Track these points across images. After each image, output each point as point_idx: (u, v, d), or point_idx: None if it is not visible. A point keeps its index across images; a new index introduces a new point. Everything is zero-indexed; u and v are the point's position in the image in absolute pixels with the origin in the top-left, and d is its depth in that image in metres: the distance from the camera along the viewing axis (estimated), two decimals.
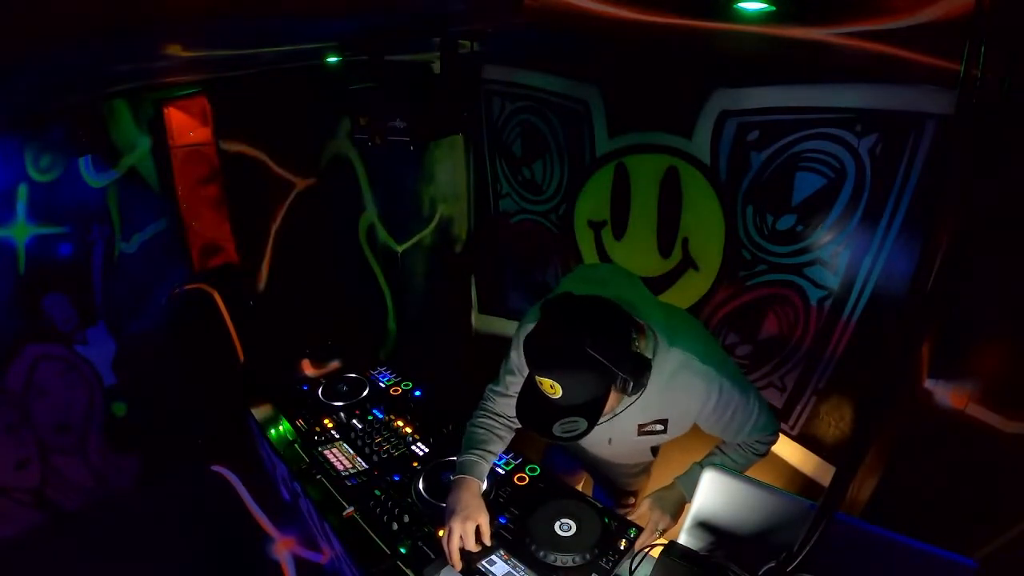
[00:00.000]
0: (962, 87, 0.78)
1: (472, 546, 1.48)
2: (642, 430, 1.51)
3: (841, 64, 1.83)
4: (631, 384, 1.22)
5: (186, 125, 2.97)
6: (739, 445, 1.55)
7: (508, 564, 1.48)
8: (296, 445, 2.04)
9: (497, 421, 1.64)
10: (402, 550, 1.57)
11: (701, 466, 1.61)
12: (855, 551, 1.15)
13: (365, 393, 2.31)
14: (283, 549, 2.44)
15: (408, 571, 1.52)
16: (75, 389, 2.80)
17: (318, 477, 1.88)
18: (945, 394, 1.67)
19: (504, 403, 1.62)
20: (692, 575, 1.23)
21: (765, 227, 2.18)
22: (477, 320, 3.31)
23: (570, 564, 1.46)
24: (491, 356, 1.69)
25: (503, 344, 1.61)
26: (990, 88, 0.80)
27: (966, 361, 1.63)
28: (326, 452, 1.99)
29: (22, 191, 2.47)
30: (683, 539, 1.40)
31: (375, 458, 1.95)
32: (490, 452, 1.60)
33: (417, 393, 2.32)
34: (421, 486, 1.78)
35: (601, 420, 1.26)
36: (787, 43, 1.61)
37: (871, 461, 1.86)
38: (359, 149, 3.36)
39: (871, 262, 1.98)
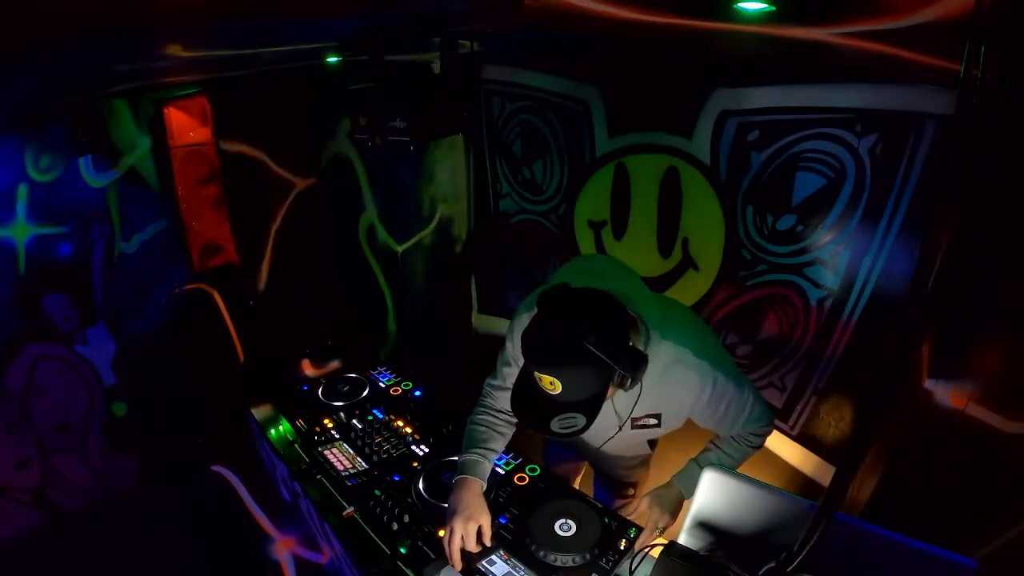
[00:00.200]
0: (962, 87, 0.78)
1: (473, 547, 1.47)
2: (636, 424, 1.50)
3: (841, 64, 1.83)
4: (629, 379, 1.22)
5: (186, 125, 2.97)
6: (733, 438, 1.54)
7: (508, 564, 1.48)
8: (296, 445, 2.04)
9: (498, 418, 1.64)
10: (402, 550, 1.57)
11: (697, 463, 1.62)
12: (855, 551, 1.15)
13: (365, 393, 2.31)
14: (283, 549, 2.44)
15: (408, 571, 1.52)
16: (75, 389, 2.80)
17: (318, 477, 1.88)
18: (945, 394, 1.67)
19: (503, 397, 1.62)
20: (692, 575, 1.23)
21: (765, 227, 2.18)
22: (477, 320, 3.31)
23: (570, 564, 1.46)
24: (491, 356, 1.69)
25: (501, 343, 1.61)
26: (990, 88, 0.80)
27: (966, 361, 1.63)
28: (326, 452, 1.99)
29: (22, 191, 2.47)
30: (683, 539, 1.40)
31: (375, 458, 1.95)
32: (491, 450, 1.60)
33: (417, 393, 2.32)
34: (421, 486, 1.78)
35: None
36: (787, 43, 1.61)
37: (871, 461, 1.86)
38: (359, 149, 3.36)
39: (871, 262, 1.98)
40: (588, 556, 1.47)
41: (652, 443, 1.83)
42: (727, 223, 2.27)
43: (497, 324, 3.23)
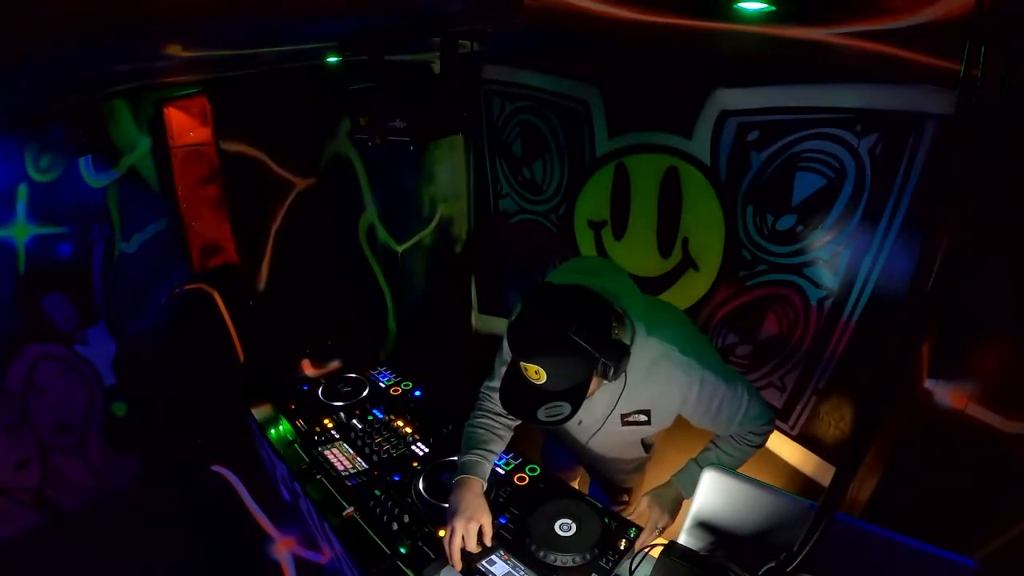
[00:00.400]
0: (962, 87, 0.78)
1: (474, 547, 1.47)
2: (626, 420, 1.52)
3: (841, 64, 1.83)
4: (612, 369, 1.25)
5: (186, 125, 2.97)
6: (732, 438, 1.55)
7: (508, 564, 1.48)
8: (296, 445, 2.04)
9: (497, 421, 1.64)
10: (402, 550, 1.57)
11: (697, 463, 1.62)
12: (855, 551, 1.15)
13: (365, 393, 2.31)
14: (283, 549, 2.44)
15: (408, 571, 1.52)
16: (75, 389, 2.80)
17: (318, 477, 1.88)
18: (945, 394, 1.67)
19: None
20: (692, 575, 1.23)
21: (765, 227, 2.18)
22: (477, 320, 3.31)
23: (570, 564, 1.46)
24: (491, 356, 1.69)
25: (500, 345, 1.61)
26: (990, 88, 0.80)
27: (966, 361, 1.63)
28: (326, 452, 1.99)
29: (22, 191, 2.47)
30: (683, 539, 1.40)
31: (375, 458, 1.95)
32: (491, 452, 1.60)
33: (417, 393, 2.32)
34: (421, 486, 1.78)
35: (583, 408, 1.28)
36: (787, 43, 1.61)
37: (871, 461, 1.86)
38: (359, 149, 3.36)
39: (871, 262, 1.98)
40: (588, 556, 1.47)
41: (648, 447, 1.83)
42: (727, 223, 2.27)
43: (497, 324, 3.23)
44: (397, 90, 2.23)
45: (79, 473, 2.86)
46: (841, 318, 2.09)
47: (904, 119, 1.79)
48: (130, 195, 2.82)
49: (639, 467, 1.93)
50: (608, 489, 1.96)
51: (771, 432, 1.57)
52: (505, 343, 1.56)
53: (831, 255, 2.06)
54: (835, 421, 2.17)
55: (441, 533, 1.53)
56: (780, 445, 2.32)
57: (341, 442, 2.04)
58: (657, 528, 1.60)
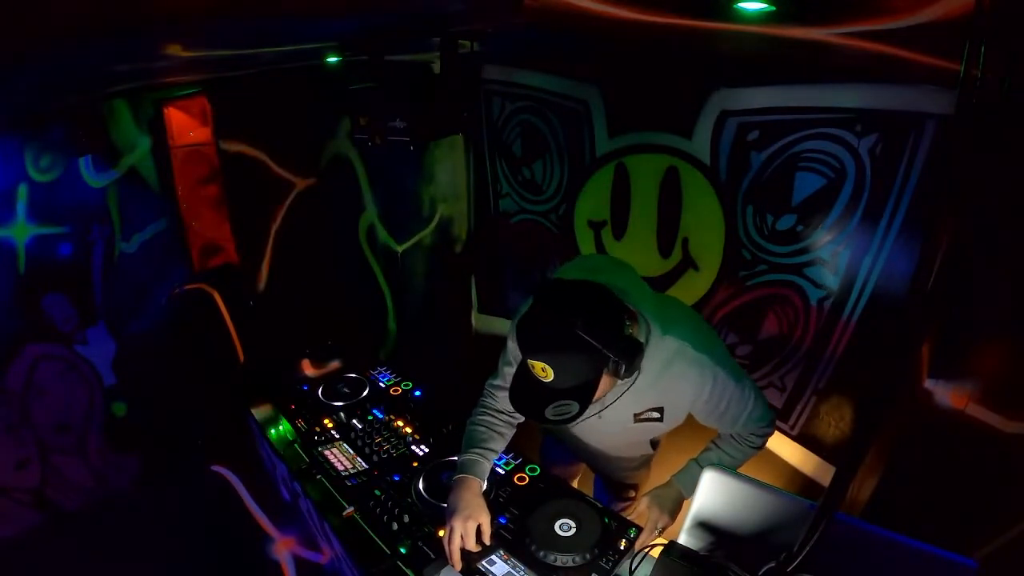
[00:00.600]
0: (962, 87, 0.78)
1: (472, 546, 1.47)
2: (638, 418, 1.51)
3: (841, 64, 1.83)
4: (623, 367, 1.23)
5: (186, 125, 2.97)
6: (734, 438, 1.55)
7: (508, 564, 1.48)
8: (296, 445, 2.04)
9: (498, 418, 1.64)
10: (402, 550, 1.57)
11: (698, 463, 1.62)
12: (855, 551, 1.15)
13: (365, 393, 2.31)
14: (283, 549, 2.44)
15: (408, 571, 1.52)
16: (75, 389, 2.80)
17: (318, 477, 1.88)
18: (945, 394, 1.67)
19: (504, 398, 1.61)
20: (692, 575, 1.23)
21: (765, 227, 2.18)
22: (477, 320, 3.31)
23: (570, 564, 1.46)
24: (491, 356, 1.69)
25: (503, 344, 1.61)
26: (990, 88, 0.80)
27: (966, 361, 1.63)
28: (326, 452, 1.99)
29: (22, 191, 2.47)
30: (683, 539, 1.40)
31: (375, 458, 1.95)
32: (491, 450, 1.60)
33: (417, 393, 2.32)
34: (421, 486, 1.78)
35: (596, 406, 1.26)
36: (787, 43, 1.61)
37: (871, 461, 1.86)
38: (359, 149, 3.36)
39: (871, 262, 1.98)
40: (588, 556, 1.47)
41: (654, 443, 1.83)
42: (727, 223, 2.27)
43: (497, 324, 3.23)
44: (397, 90, 2.23)
45: (79, 473, 2.86)
46: (841, 318, 2.09)
47: (904, 119, 1.79)
48: (130, 195, 2.83)
49: (645, 463, 1.92)
50: (614, 486, 1.96)
51: (771, 434, 1.57)
52: (509, 342, 1.56)
53: (831, 255, 2.06)
54: (835, 421, 2.17)
55: (441, 533, 1.53)
56: (780, 445, 2.32)
57: (341, 442, 2.04)
58: (657, 528, 1.60)
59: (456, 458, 1.64)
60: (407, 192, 3.25)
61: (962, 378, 1.63)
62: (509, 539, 1.55)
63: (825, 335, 2.15)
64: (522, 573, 1.45)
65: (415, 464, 1.91)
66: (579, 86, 2.51)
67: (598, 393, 1.26)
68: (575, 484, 2.18)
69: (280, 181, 3.36)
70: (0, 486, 2.61)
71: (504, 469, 1.84)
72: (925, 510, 1.61)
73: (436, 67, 2.42)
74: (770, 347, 2.32)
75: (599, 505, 1.66)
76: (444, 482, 1.76)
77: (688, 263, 2.45)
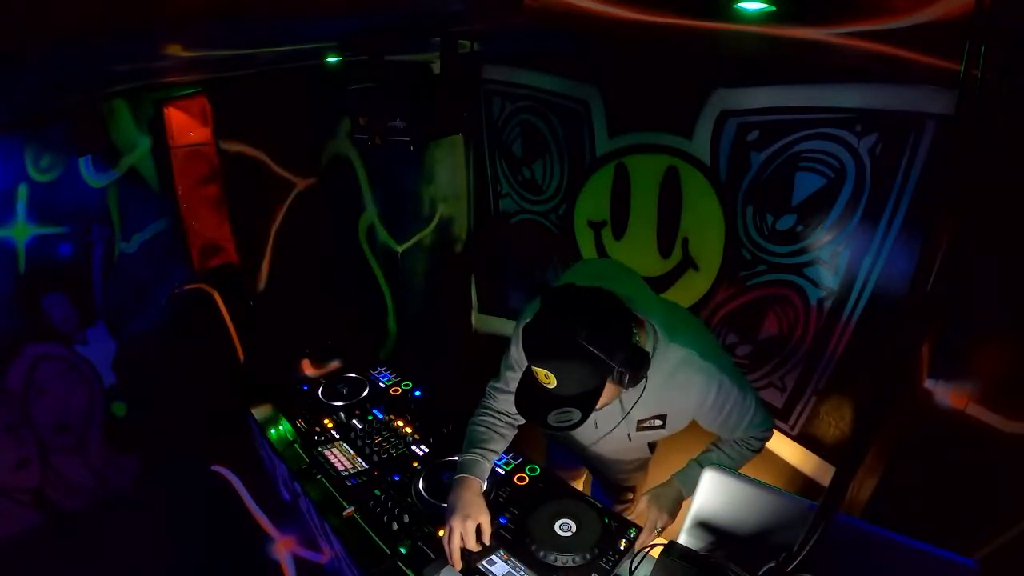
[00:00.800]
0: (962, 87, 0.78)
1: (472, 545, 1.48)
2: (641, 425, 1.51)
3: (841, 64, 1.83)
4: (627, 376, 1.23)
5: (186, 125, 2.97)
6: (735, 441, 1.55)
7: (508, 564, 1.48)
8: (296, 445, 2.04)
9: (499, 419, 1.64)
10: (402, 550, 1.57)
11: (698, 463, 1.62)
12: (855, 551, 1.15)
13: (365, 393, 2.31)
14: (283, 549, 2.44)
15: (408, 571, 1.52)
16: (75, 389, 2.80)
17: (318, 477, 1.88)
18: (945, 394, 1.67)
19: (505, 400, 1.62)
20: (692, 575, 1.23)
21: (765, 227, 2.18)
22: (477, 320, 3.31)
23: (570, 564, 1.46)
24: (491, 356, 1.69)
25: (503, 344, 1.61)
26: (990, 88, 0.79)
27: (966, 361, 1.63)
28: (326, 452, 1.99)
29: (22, 191, 2.47)
30: (683, 539, 1.40)
31: (375, 458, 1.95)
32: (491, 451, 1.60)
33: (417, 393, 2.32)
34: (421, 486, 1.78)
35: (600, 413, 1.26)
36: (787, 43, 1.61)
37: (871, 461, 1.86)
38: (359, 149, 3.36)
39: (871, 262, 1.98)
40: (588, 556, 1.47)
41: (652, 446, 1.84)
42: (727, 223, 2.27)
43: (497, 324, 3.23)
44: (397, 90, 2.23)
45: (79, 473, 2.86)
46: (841, 318, 2.09)
47: (904, 119, 1.79)
48: (130, 195, 2.82)
49: (642, 466, 1.93)
50: (611, 488, 1.96)
51: (770, 438, 1.59)
52: (512, 346, 1.56)
53: (831, 255, 2.06)
54: (835, 421, 2.17)
55: (440, 533, 1.53)
56: (780, 445, 2.32)
57: (341, 442, 2.04)
58: (657, 528, 1.60)
59: (456, 458, 1.64)
60: (407, 192, 3.25)
61: (962, 378, 1.62)
62: (509, 539, 1.55)
63: (825, 335, 2.15)
64: (522, 573, 1.45)
65: (415, 464, 1.91)
66: (579, 86, 2.51)
67: (601, 401, 1.26)
68: (578, 487, 2.18)
69: (280, 181, 3.36)
70: (0, 486, 2.61)
71: (504, 469, 1.84)
72: (925, 510, 1.61)
73: (436, 67, 2.42)
74: (770, 347, 2.32)
75: (599, 505, 1.66)
76: (444, 482, 1.76)
77: (688, 263, 2.45)
